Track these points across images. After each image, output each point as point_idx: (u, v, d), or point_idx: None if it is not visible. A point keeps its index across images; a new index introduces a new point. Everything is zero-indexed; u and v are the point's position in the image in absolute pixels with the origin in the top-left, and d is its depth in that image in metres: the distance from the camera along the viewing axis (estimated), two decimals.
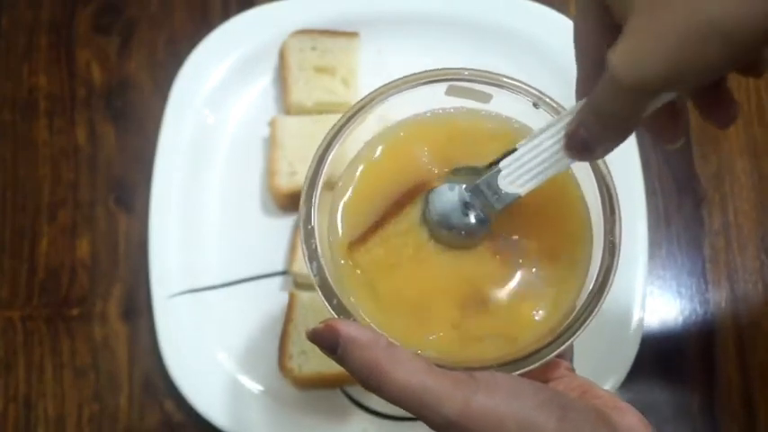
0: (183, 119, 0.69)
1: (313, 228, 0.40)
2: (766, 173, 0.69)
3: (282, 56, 0.70)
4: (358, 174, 0.43)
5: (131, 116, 0.72)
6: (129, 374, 0.65)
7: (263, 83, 0.72)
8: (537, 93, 0.43)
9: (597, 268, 0.40)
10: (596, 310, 0.39)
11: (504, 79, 0.43)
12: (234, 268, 0.66)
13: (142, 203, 0.68)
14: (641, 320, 0.62)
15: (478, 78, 0.43)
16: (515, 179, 0.40)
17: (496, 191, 0.40)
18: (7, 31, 0.74)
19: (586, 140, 0.37)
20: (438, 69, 0.43)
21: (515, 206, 0.41)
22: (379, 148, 0.44)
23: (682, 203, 0.69)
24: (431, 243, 0.41)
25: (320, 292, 0.39)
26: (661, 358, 0.65)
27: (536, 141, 0.39)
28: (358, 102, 0.43)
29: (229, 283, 0.66)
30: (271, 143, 0.68)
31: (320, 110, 0.69)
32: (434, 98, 0.44)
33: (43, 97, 0.73)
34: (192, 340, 0.64)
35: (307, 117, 0.68)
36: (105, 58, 0.73)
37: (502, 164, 0.40)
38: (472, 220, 0.41)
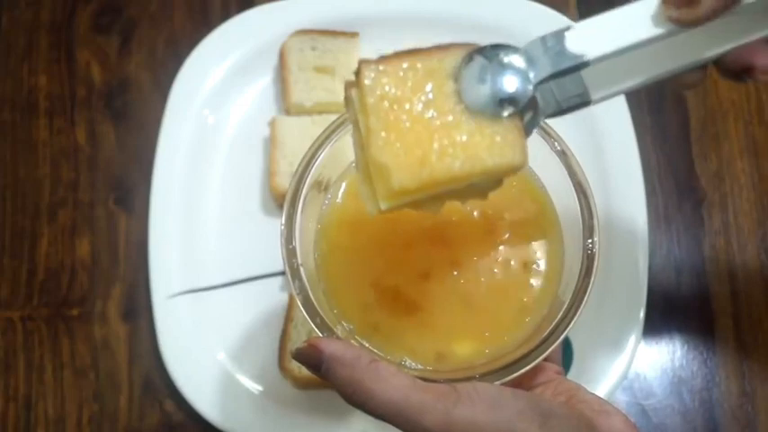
0: (183, 119, 0.69)
1: (294, 248, 0.40)
2: (766, 173, 0.69)
3: (282, 56, 0.70)
4: (342, 191, 0.44)
5: (131, 116, 0.72)
6: (128, 374, 0.65)
7: (263, 83, 0.72)
8: None
9: (576, 273, 0.40)
10: (578, 313, 0.39)
11: None
12: (234, 268, 0.66)
13: (142, 203, 0.68)
14: (642, 320, 0.62)
15: None
16: (587, 41, 0.35)
17: (560, 51, 0.35)
18: (7, 31, 0.74)
19: None
20: None
21: (485, 212, 0.41)
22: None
23: (682, 203, 0.69)
24: (452, 99, 0.35)
25: (303, 311, 0.39)
26: (662, 357, 0.65)
27: (617, 11, 0.36)
28: (331, 124, 0.43)
29: (229, 283, 0.66)
30: (271, 143, 0.68)
31: (320, 110, 0.69)
32: None
33: (43, 97, 0.72)
34: (192, 340, 0.64)
35: (307, 117, 0.68)
36: (105, 58, 0.73)
37: (575, 23, 0.36)
38: (510, 87, 0.35)
